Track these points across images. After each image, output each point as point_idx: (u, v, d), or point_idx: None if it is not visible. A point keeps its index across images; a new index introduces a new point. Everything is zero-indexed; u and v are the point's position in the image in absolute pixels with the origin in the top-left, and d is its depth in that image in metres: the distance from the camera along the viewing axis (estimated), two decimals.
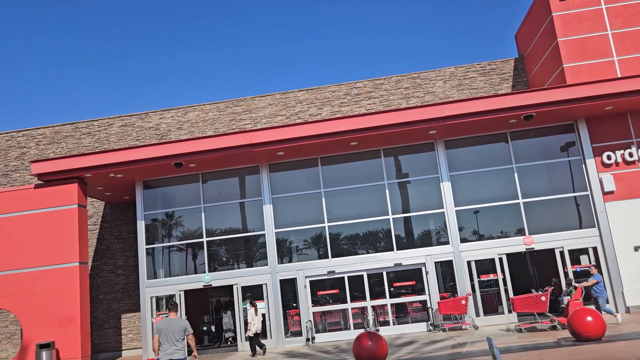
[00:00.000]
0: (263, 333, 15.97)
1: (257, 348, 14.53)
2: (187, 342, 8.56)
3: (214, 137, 15.53)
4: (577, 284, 13.54)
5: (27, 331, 15.28)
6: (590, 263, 15.29)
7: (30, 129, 21.10)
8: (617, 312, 13.36)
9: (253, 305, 14.78)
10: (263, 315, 16.14)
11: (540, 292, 13.74)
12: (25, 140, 20.98)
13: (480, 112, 14.76)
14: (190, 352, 7.94)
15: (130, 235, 19.87)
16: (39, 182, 16.45)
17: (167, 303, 16.67)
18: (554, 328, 13.11)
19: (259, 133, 15.37)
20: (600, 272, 14.16)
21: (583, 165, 15.84)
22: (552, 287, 14.68)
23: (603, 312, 13.32)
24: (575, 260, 15.42)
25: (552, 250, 15.86)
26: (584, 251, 15.47)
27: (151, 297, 16.57)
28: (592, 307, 12.97)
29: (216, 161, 16.23)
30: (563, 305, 13.49)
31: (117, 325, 19.28)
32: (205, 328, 19.24)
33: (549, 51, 17.13)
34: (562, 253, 15.49)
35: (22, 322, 15.37)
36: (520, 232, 15.84)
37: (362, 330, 15.71)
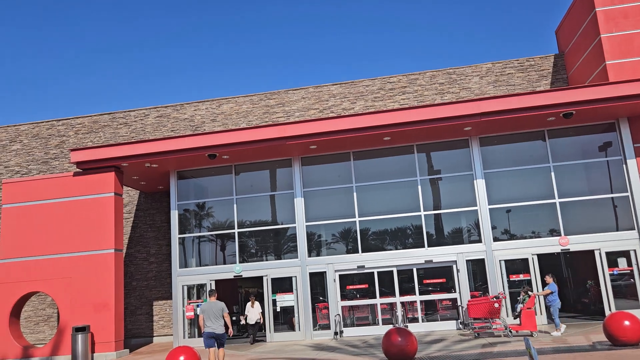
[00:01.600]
0: (291, 326, 16.11)
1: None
2: (224, 319, 10.95)
3: (248, 130, 15.66)
4: (531, 292, 13.62)
5: (64, 314, 15.77)
6: (629, 266, 14.85)
7: (69, 118, 21.69)
8: (561, 325, 13.24)
9: (251, 299, 16.11)
10: (263, 309, 16.91)
11: (495, 298, 13.90)
12: (64, 129, 21.58)
13: (517, 109, 14.45)
14: (226, 327, 11.05)
15: (163, 224, 20.25)
16: (78, 170, 16.90)
17: (197, 292, 16.97)
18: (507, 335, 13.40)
19: (292, 126, 15.42)
20: (556, 282, 13.92)
21: (624, 166, 15.36)
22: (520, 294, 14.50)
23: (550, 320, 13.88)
24: (613, 263, 14.99)
25: (587, 252, 15.45)
26: (622, 254, 15.02)
27: (182, 286, 16.88)
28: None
29: (249, 153, 16.37)
30: (516, 312, 13.74)
31: (149, 312, 19.72)
32: (234, 318, 19.49)
33: (591, 48, 16.63)
34: (599, 255, 15.07)
35: (59, 306, 15.87)
36: (554, 232, 15.49)
37: (390, 326, 15.67)
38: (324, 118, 15.34)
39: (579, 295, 18.07)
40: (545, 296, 13.64)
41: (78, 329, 15.11)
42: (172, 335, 18.94)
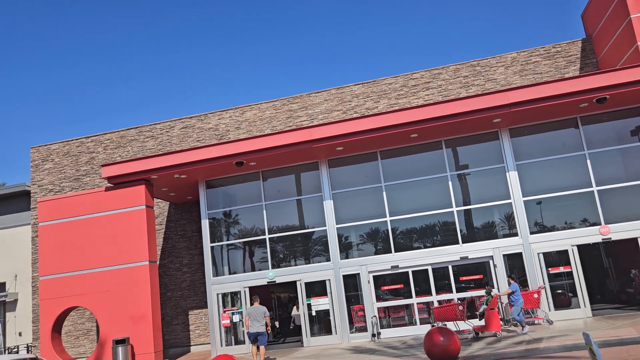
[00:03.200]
0: (327, 329, 15.98)
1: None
2: (266, 321, 13.15)
3: (274, 135, 15.63)
4: (493, 293, 13.50)
5: (104, 327, 15.97)
6: None
7: (98, 135, 22.05)
8: (525, 326, 13.11)
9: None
10: (271, 315, 16.77)
11: (459, 302, 13.99)
12: (94, 146, 21.94)
13: (548, 97, 14.07)
14: (267, 327, 13.22)
15: (194, 233, 20.38)
16: (109, 184, 17.13)
17: (232, 299, 16.99)
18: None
19: (317, 129, 15.33)
20: (517, 282, 13.74)
21: None
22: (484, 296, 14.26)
23: (513, 319, 13.95)
24: None
25: (630, 241, 14.94)
26: None
27: (217, 294, 16.92)
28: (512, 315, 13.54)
29: (276, 159, 16.34)
30: (478, 312, 13.74)
31: (185, 322, 19.84)
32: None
33: (621, 29, 16.10)
34: None
35: (99, 319, 16.08)
36: (593, 221, 15.00)
37: (428, 326, 15.40)
38: (349, 119, 15.21)
39: (623, 285, 17.48)
40: (508, 296, 13.77)
41: (118, 342, 15.28)
42: (209, 344, 19.01)
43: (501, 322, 14.93)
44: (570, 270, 14.86)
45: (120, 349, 15.16)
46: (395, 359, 11.38)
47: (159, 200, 20.68)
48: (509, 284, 13.88)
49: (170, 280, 20.22)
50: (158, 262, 20.35)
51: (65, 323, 20.59)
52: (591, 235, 14.83)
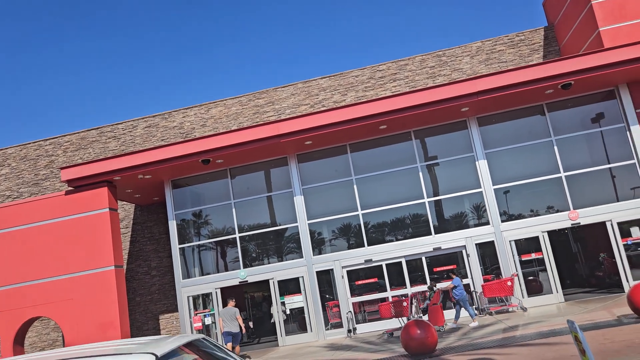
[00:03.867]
0: (302, 327, 15.70)
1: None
2: (238, 322, 13.51)
3: (240, 131, 15.20)
4: (436, 288, 13.70)
5: (69, 337, 15.29)
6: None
7: (57, 137, 21.16)
8: (475, 317, 13.42)
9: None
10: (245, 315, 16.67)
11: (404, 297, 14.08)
12: (52, 149, 21.05)
13: (514, 85, 14.07)
14: (241, 328, 13.56)
15: (162, 235, 19.78)
16: (69, 188, 16.40)
17: (203, 302, 16.53)
18: None
19: (285, 123, 14.98)
20: (459, 276, 13.98)
21: (627, 133, 15.02)
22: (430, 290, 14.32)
23: (465, 312, 14.36)
24: (626, 233, 14.66)
25: (598, 225, 15.12)
26: (635, 223, 14.67)
27: (188, 297, 16.43)
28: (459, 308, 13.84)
29: (244, 155, 15.92)
30: (421, 308, 14.02)
31: (156, 327, 19.26)
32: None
33: (582, 16, 16.26)
34: (610, 226, 14.73)
35: (63, 329, 15.39)
36: (562, 207, 15.12)
37: (404, 319, 15.28)
38: (317, 112, 14.92)
39: (592, 269, 17.75)
40: (450, 291, 13.90)
41: None
42: None
43: (476, 312, 14.93)
44: (541, 256, 14.95)
45: None
46: (372, 354, 11.18)
47: (124, 202, 19.99)
48: (451, 278, 13.85)
49: (138, 285, 19.58)
50: (125, 267, 19.67)
51: (28, 334, 19.72)
52: (561, 220, 14.95)
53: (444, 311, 14.80)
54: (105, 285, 15.42)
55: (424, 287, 15.44)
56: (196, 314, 16.37)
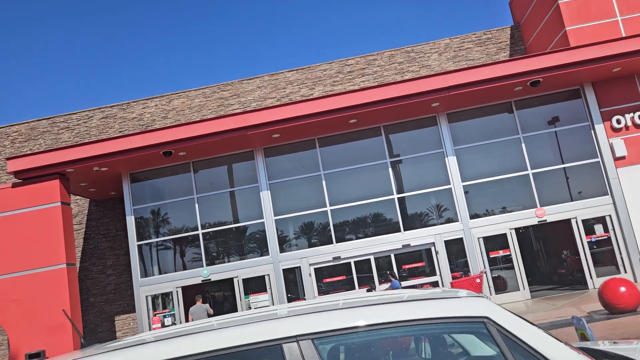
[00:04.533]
0: None
1: None
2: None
3: (205, 122, 14.52)
4: (374, 291, 13.58)
5: (14, 341, 14.20)
6: (605, 232, 14.73)
7: (3, 127, 19.79)
8: None
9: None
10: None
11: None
12: None
13: (485, 80, 13.99)
14: None
15: (119, 232, 18.79)
16: (17, 180, 15.28)
17: (163, 301, 15.74)
18: None
19: (252, 115, 14.40)
20: (397, 278, 13.84)
21: (592, 131, 15.22)
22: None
23: None
24: (590, 230, 14.83)
25: (564, 222, 15.26)
26: (598, 220, 14.88)
27: (146, 296, 15.59)
28: None
29: (208, 148, 15.24)
30: None
31: (111, 328, 18.26)
32: None
33: (549, 15, 16.41)
34: (575, 223, 14.87)
35: (8, 332, 14.29)
36: (530, 204, 15.18)
37: None
38: (286, 104, 14.41)
39: (554, 266, 17.98)
40: None
41: (32, 356, 13.56)
42: None
43: None
44: (508, 253, 14.94)
45: None
46: None
47: (78, 197, 18.88)
48: (390, 281, 13.53)
49: (92, 284, 18.52)
50: (78, 265, 18.57)
51: None
52: (528, 218, 14.99)
53: None
54: (56, 284, 14.41)
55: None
56: (155, 315, 15.55)
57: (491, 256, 15.01)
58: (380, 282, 14.91)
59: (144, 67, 64.76)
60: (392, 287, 13.41)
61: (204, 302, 16.53)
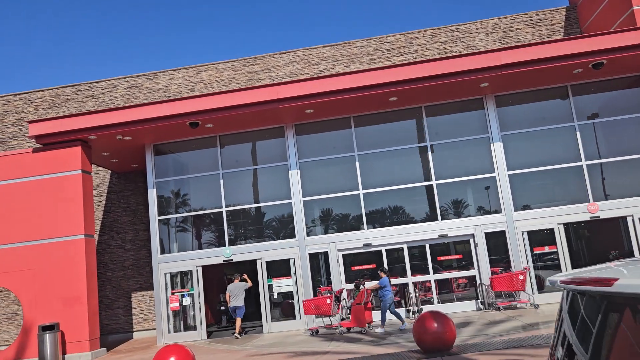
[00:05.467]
0: (290, 313, 14.31)
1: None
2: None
3: (235, 92, 13.62)
4: (362, 287, 12.57)
5: (28, 312, 13.64)
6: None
7: (28, 92, 19.23)
8: (383, 326, 12.25)
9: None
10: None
11: (329, 294, 12.93)
12: (22, 105, 19.12)
13: (542, 60, 12.75)
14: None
15: (139, 207, 18.12)
16: (38, 145, 14.66)
17: (182, 280, 15.02)
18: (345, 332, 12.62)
19: (285, 87, 13.45)
20: (389, 276, 12.64)
21: None
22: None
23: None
24: None
25: (610, 220, 14.01)
26: None
27: (165, 274, 14.87)
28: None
29: (236, 121, 14.36)
30: (347, 307, 12.94)
31: (128, 305, 17.67)
32: (222, 308, 17.63)
33: None
34: (633, 221, 13.60)
35: (22, 302, 13.73)
36: (581, 198, 13.95)
37: (401, 310, 14.00)
38: (322, 76, 13.42)
39: None
40: (376, 291, 12.74)
41: (45, 328, 13.01)
42: (154, 329, 16.94)
43: (480, 307, 13.72)
44: (555, 250, 13.77)
45: (47, 336, 12.91)
46: (375, 347, 9.84)
47: (99, 168, 18.25)
48: (380, 277, 12.56)
49: (111, 259, 17.92)
50: (97, 238, 17.98)
51: None
52: (579, 213, 13.79)
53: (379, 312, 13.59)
54: (74, 255, 13.77)
55: (425, 277, 14.16)
56: (173, 293, 14.84)
57: (535, 252, 13.86)
58: (365, 278, 13.80)
59: (173, 40, 64.15)
60: (380, 285, 12.41)
61: (216, 284, 16.29)
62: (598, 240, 16.84)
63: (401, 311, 13.99)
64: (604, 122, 14.17)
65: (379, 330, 12.19)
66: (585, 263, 17.71)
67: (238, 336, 13.91)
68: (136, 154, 16.26)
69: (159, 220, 15.28)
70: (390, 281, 12.67)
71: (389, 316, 12.84)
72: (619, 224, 14.33)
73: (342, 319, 13.53)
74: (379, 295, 12.56)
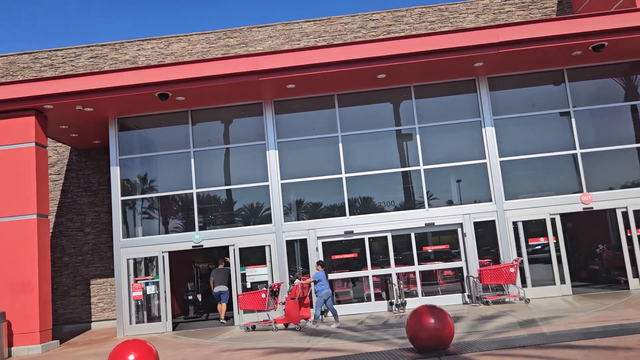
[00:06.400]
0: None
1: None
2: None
3: (210, 62, 12.39)
4: (297, 281, 11.92)
5: None
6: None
7: None
8: (317, 322, 11.61)
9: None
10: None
11: (263, 288, 12.36)
12: None
13: (543, 39, 11.95)
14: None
15: (101, 187, 16.71)
16: None
17: (146, 267, 13.77)
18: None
19: (266, 58, 12.29)
20: (325, 269, 11.94)
21: None
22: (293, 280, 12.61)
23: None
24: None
25: (600, 212, 13.44)
26: None
27: (127, 260, 13.59)
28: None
29: (210, 94, 13.14)
30: (282, 303, 12.43)
31: (86, 293, 16.30)
32: (190, 297, 16.43)
33: None
34: (624, 214, 13.03)
35: None
36: (574, 188, 13.31)
37: (383, 303, 13.14)
38: (306, 48, 12.31)
39: (585, 261, 16.20)
40: (313, 285, 12.10)
41: None
42: (115, 319, 15.64)
43: (467, 300, 12.96)
44: (546, 242, 13.10)
45: None
46: (362, 345, 8.90)
47: (58, 143, 16.74)
48: (317, 270, 11.86)
49: (68, 243, 16.48)
50: (53, 219, 16.51)
51: None
52: (571, 203, 13.13)
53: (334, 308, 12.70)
54: (24, 237, 12.37)
55: (410, 268, 13.31)
56: (136, 281, 13.59)
57: (528, 243, 13.15)
58: (304, 277, 12.86)
59: (143, 11, 61.44)
60: (315, 279, 11.67)
61: (182, 273, 15.33)
62: (587, 233, 16.33)
63: (384, 304, 13.13)
64: (601, 109, 13.53)
65: (309, 324, 11.48)
66: (575, 257, 17.18)
67: (224, 321, 13.62)
68: (99, 129, 14.87)
69: (122, 202, 13.96)
70: (327, 275, 11.96)
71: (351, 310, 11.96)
72: (608, 216, 13.79)
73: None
74: (315, 290, 11.80)
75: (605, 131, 13.48)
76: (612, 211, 13.31)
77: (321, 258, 13.35)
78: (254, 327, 12.12)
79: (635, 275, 12.83)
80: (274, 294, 12.29)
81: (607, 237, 14.92)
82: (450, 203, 13.46)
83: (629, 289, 12.84)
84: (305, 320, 12.08)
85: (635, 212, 12.96)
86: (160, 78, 12.30)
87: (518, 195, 13.36)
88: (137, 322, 13.42)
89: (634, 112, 13.46)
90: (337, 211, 13.61)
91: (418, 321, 7.65)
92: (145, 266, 13.88)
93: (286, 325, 12.03)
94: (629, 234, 13.11)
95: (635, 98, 13.50)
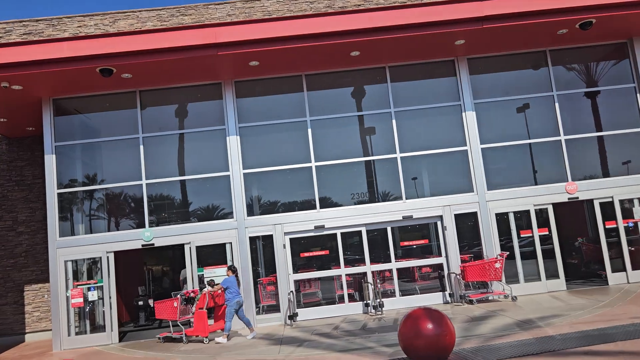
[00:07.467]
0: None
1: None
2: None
3: (161, 32, 10.82)
4: (206, 289, 10.70)
5: None
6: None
7: None
8: (252, 328, 10.52)
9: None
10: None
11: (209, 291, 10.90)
12: None
13: (529, 13, 11.01)
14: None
15: (36, 180, 14.75)
16: None
17: (89, 269, 12.04)
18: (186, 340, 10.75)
19: (226, 29, 10.83)
20: (237, 275, 10.69)
21: (637, 95, 12.66)
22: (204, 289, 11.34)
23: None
24: (628, 213, 12.31)
25: (576, 203, 12.75)
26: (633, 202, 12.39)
27: (65, 261, 11.82)
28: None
29: (162, 72, 11.55)
30: (192, 312, 11.08)
31: (19, 301, 14.30)
32: (141, 303, 14.70)
33: None
34: (610, 204, 12.30)
35: None
36: (559, 177, 12.50)
37: (358, 304, 11.92)
38: (273, 18, 10.92)
39: (563, 255, 15.51)
40: (223, 292, 10.74)
41: None
42: (51, 330, 13.74)
43: (448, 298, 11.91)
44: (530, 235, 12.22)
45: None
46: (346, 355, 7.62)
47: None
48: (227, 275, 10.54)
49: None
50: None
51: None
52: (556, 193, 12.29)
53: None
54: None
55: (386, 266, 12.14)
56: (76, 286, 11.83)
57: (520, 236, 12.24)
58: (211, 283, 11.49)
59: None
60: (224, 287, 10.29)
61: (132, 275, 13.70)
62: (568, 225, 15.62)
63: (358, 306, 11.90)
64: (585, 92, 12.78)
65: (220, 339, 10.12)
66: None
67: None
68: (32, 114, 12.98)
69: (59, 195, 12.16)
70: (238, 282, 10.48)
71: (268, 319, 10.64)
72: (577, 208, 13.07)
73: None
74: (225, 299, 10.39)
75: (589, 116, 12.74)
76: (590, 202, 12.56)
77: (289, 256, 11.99)
78: (171, 338, 10.79)
79: (619, 269, 12.12)
80: (189, 301, 10.86)
81: (586, 230, 14.25)
82: (429, 194, 12.37)
83: (607, 284, 12.08)
84: (221, 331, 10.71)
85: (621, 201, 12.25)
86: (101, 50, 10.62)
87: (500, 185, 12.42)
88: (77, 333, 11.68)
89: (620, 95, 12.76)
90: (306, 204, 12.28)
91: (413, 327, 6.44)
92: (88, 269, 12.14)
93: (197, 336, 10.69)
94: (625, 224, 12.33)
95: (619, 82, 12.81)
